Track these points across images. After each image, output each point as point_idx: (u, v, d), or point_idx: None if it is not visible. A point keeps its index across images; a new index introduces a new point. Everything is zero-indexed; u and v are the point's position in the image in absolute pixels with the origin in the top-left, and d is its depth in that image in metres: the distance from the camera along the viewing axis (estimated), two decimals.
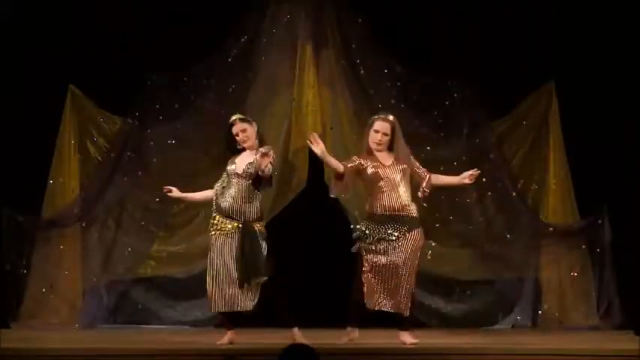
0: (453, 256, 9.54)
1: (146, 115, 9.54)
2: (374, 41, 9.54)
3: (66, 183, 9.53)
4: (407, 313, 7.48)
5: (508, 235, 9.53)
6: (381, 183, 7.54)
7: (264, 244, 7.64)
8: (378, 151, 7.63)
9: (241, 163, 7.67)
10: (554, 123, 9.67)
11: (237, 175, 7.61)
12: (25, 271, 9.36)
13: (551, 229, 9.63)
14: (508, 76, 9.43)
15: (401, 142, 7.65)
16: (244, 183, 7.60)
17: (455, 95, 9.45)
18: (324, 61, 9.61)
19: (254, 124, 7.79)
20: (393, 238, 7.48)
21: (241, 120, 7.74)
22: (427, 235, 9.54)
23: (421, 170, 7.71)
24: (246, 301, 7.53)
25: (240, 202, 7.61)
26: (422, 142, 9.37)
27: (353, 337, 7.63)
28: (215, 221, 7.64)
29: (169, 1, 9.48)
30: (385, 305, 7.51)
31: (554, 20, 9.53)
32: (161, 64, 9.38)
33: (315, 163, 9.61)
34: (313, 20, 9.57)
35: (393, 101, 9.59)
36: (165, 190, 7.89)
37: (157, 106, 9.52)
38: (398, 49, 9.51)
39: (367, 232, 7.54)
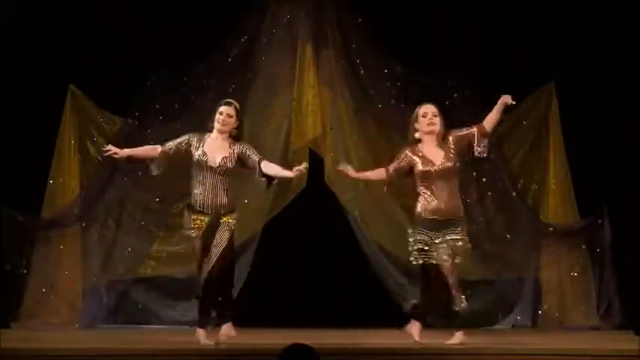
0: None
1: (146, 115, 9.53)
2: (374, 41, 9.54)
3: (66, 183, 9.54)
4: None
5: (508, 235, 9.53)
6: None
7: (226, 235, 7.50)
8: (430, 133, 7.57)
9: (213, 154, 7.54)
10: (554, 123, 9.67)
11: (212, 169, 7.51)
12: (25, 271, 9.36)
13: (551, 229, 9.64)
14: (508, 76, 9.42)
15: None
16: (218, 177, 7.53)
17: (455, 95, 9.44)
18: (324, 61, 9.61)
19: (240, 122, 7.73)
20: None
21: (236, 108, 7.68)
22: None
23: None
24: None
25: (212, 196, 7.52)
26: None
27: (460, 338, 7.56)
28: (190, 219, 7.52)
29: (169, 1, 9.48)
30: None
31: (554, 20, 9.53)
32: (161, 64, 9.38)
33: (315, 163, 9.63)
34: (313, 20, 9.57)
35: (393, 101, 9.60)
36: (109, 151, 7.71)
37: (157, 106, 9.52)
38: (398, 49, 9.51)
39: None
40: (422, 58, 9.45)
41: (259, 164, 7.63)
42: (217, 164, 7.50)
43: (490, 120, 7.60)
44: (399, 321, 9.43)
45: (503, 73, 9.41)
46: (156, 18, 9.44)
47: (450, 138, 7.58)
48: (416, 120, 7.63)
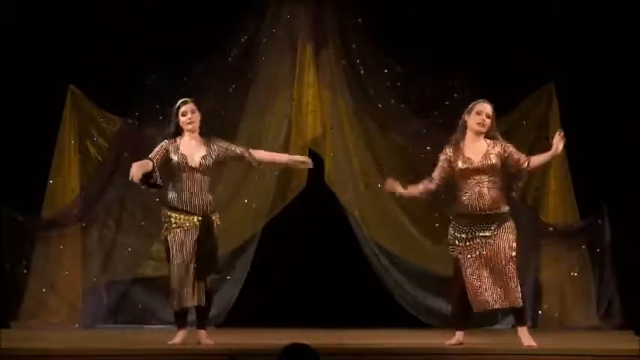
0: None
1: (146, 115, 9.53)
2: (374, 41, 9.54)
3: (66, 183, 9.53)
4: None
5: None
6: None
7: (211, 239, 7.44)
8: (479, 133, 7.54)
9: (192, 153, 7.47)
10: (554, 123, 9.66)
11: (193, 169, 7.44)
12: (25, 271, 9.36)
13: (551, 229, 9.64)
14: (508, 76, 9.43)
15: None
16: (201, 177, 7.47)
17: (455, 95, 9.44)
18: (324, 61, 9.62)
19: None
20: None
21: (194, 103, 7.61)
22: (427, 234, 9.58)
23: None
24: (194, 298, 7.40)
25: (197, 195, 7.45)
26: (422, 142, 9.38)
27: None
28: (172, 219, 7.43)
29: (169, 1, 9.48)
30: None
31: (554, 20, 9.53)
32: (161, 64, 9.38)
33: (316, 163, 9.63)
34: (313, 20, 9.58)
35: (393, 101, 9.61)
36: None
37: (157, 106, 9.51)
38: (398, 49, 9.51)
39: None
40: (422, 58, 9.45)
41: (249, 152, 7.62)
42: (198, 164, 7.46)
43: (537, 162, 7.57)
44: (399, 321, 9.50)
45: (503, 73, 9.42)
46: (156, 18, 9.44)
47: (503, 146, 7.52)
48: (469, 113, 7.57)
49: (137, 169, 7.25)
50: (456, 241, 7.45)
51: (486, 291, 7.36)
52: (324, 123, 9.61)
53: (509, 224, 7.44)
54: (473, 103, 7.64)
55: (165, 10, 9.42)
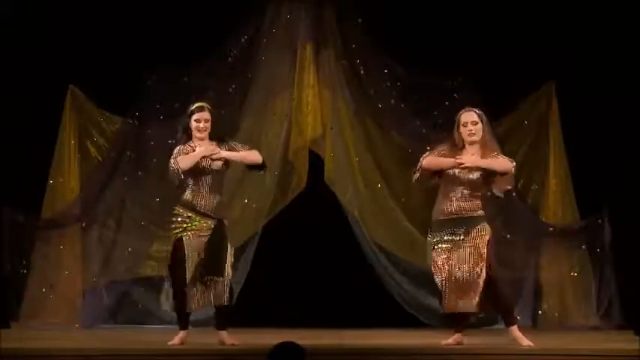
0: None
1: (146, 115, 9.54)
2: (374, 41, 9.54)
3: (66, 183, 9.53)
4: None
5: (508, 235, 9.52)
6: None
7: (224, 242, 7.50)
8: (473, 143, 7.55)
9: (204, 158, 7.52)
10: (554, 123, 9.67)
11: (208, 173, 7.49)
12: (25, 271, 9.36)
13: (551, 229, 9.63)
14: (508, 76, 9.43)
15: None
16: (214, 180, 7.52)
17: (455, 95, 9.44)
18: (324, 61, 9.62)
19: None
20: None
21: (208, 109, 7.64)
22: (427, 235, 9.59)
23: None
24: (203, 300, 7.46)
25: (212, 199, 7.51)
26: (422, 142, 9.38)
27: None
28: (181, 218, 7.50)
29: (169, 1, 9.48)
30: None
31: (554, 20, 9.53)
32: (161, 64, 9.38)
33: (315, 163, 9.63)
34: (313, 20, 9.58)
35: (392, 101, 9.61)
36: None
37: (157, 106, 9.52)
38: (398, 49, 9.51)
39: None
40: (422, 58, 9.45)
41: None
42: (211, 168, 7.51)
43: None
44: (399, 321, 9.49)
45: (503, 73, 9.41)
46: (156, 18, 9.43)
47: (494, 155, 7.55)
48: (458, 128, 7.59)
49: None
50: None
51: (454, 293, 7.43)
52: (324, 123, 9.61)
53: (482, 227, 7.49)
54: (459, 113, 7.65)
55: (166, 10, 9.41)
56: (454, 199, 7.51)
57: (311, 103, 9.59)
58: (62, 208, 9.50)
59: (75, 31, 9.42)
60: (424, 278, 9.40)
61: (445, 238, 7.51)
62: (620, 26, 9.33)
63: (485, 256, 7.41)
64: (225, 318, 7.59)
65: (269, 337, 7.64)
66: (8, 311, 9.13)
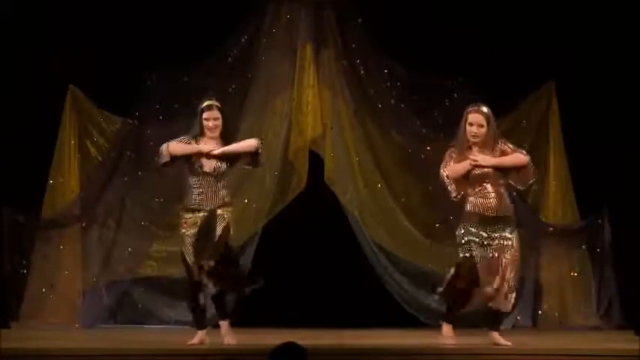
0: (454, 256, 9.54)
1: (146, 115, 9.54)
2: (374, 41, 9.54)
3: (66, 183, 9.53)
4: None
5: None
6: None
7: (219, 228, 7.51)
8: (475, 144, 7.54)
9: (207, 160, 7.54)
10: (554, 123, 9.67)
11: (206, 174, 7.52)
12: (25, 271, 9.36)
13: (551, 229, 9.63)
14: (508, 76, 9.43)
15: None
16: (217, 180, 7.54)
17: (455, 95, 9.44)
18: (324, 61, 9.62)
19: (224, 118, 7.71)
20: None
21: (218, 107, 7.66)
22: (427, 234, 9.57)
23: None
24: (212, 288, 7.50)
25: (209, 198, 7.53)
26: (422, 142, 9.38)
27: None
28: (183, 220, 7.57)
29: (169, 2, 9.48)
30: None
31: (554, 20, 9.53)
32: (161, 64, 9.38)
33: (315, 163, 9.63)
34: (313, 20, 9.58)
35: (392, 101, 9.61)
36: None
37: (157, 106, 9.53)
38: (398, 49, 9.51)
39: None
40: (422, 58, 9.45)
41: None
42: (212, 169, 7.52)
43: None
44: (399, 321, 9.49)
45: (504, 73, 9.41)
46: (156, 18, 9.43)
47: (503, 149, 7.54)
48: (464, 125, 7.56)
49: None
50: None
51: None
52: (324, 123, 9.61)
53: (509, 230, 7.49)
54: (467, 110, 7.61)
55: (166, 11, 9.41)
56: (480, 196, 7.47)
57: (311, 103, 9.59)
58: (62, 208, 9.50)
59: (75, 31, 9.42)
60: (424, 278, 9.42)
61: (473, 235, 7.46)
62: (620, 26, 9.33)
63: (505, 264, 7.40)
64: (223, 307, 7.60)
65: (269, 337, 7.66)
66: (8, 311, 9.13)
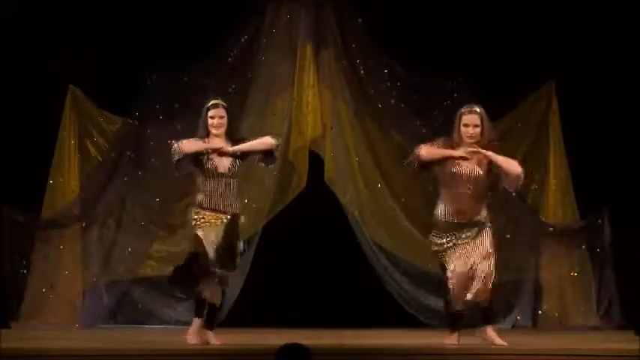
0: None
1: (146, 115, 9.54)
2: (374, 41, 9.54)
3: (66, 183, 9.53)
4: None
5: (508, 235, 9.53)
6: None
7: (240, 243, 7.65)
8: (470, 145, 7.51)
9: (220, 160, 7.54)
10: (554, 123, 9.67)
11: (222, 174, 7.52)
12: (25, 271, 9.36)
13: (551, 229, 9.64)
14: (508, 76, 9.43)
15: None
16: (229, 180, 7.54)
17: (455, 95, 9.44)
18: (324, 61, 9.62)
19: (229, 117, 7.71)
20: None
21: (224, 106, 7.65)
22: (427, 234, 9.60)
23: None
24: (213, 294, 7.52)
25: (227, 198, 7.54)
26: (422, 142, 9.36)
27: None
28: (200, 216, 7.53)
29: (169, 2, 9.48)
30: None
31: (554, 20, 9.53)
32: (161, 64, 9.38)
33: (316, 163, 9.63)
34: (313, 20, 9.58)
35: (392, 101, 9.61)
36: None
37: (157, 106, 9.53)
38: (398, 49, 9.51)
39: None
40: (422, 58, 9.45)
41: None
42: (227, 169, 7.52)
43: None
44: (399, 321, 9.49)
45: (504, 73, 9.42)
46: (156, 18, 9.43)
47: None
48: (458, 126, 7.55)
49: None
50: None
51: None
52: (324, 123, 9.62)
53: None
54: (460, 111, 7.59)
55: (166, 11, 9.41)
56: (458, 200, 7.48)
57: (311, 103, 9.59)
58: (62, 208, 9.50)
59: (75, 31, 9.42)
60: (424, 278, 9.43)
61: (449, 239, 7.48)
62: (620, 26, 9.34)
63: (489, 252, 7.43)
64: (215, 318, 7.63)
65: (269, 337, 7.67)
66: (8, 311, 9.13)
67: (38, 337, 8.17)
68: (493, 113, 9.58)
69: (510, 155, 7.81)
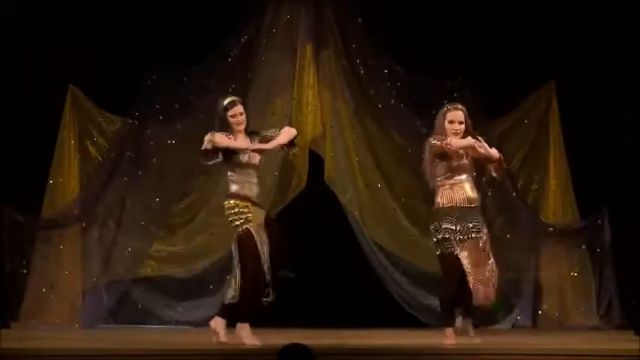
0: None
1: (146, 115, 9.55)
2: (374, 41, 9.55)
3: (66, 183, 9.54)
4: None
5: (508, 235, 9.53)
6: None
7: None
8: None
9: (253, 154, 7.48)
10: (554, 123, 9.68)
11: (255, 166, 7.48)
12: (25, 271, 9.37)
13: (551, 229, 9.64)
14: (508, 76, 9.43)
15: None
16: (256, 173, 7.51)
17: (455, 95, 9.44)
18: (324, 61, 9.63)
19: None
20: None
21: (241, 102, 7.61)
22: (427, 234, 9.59)
23: None
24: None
25: (257, 191, 7.50)
26: (422, 141, 9.36)
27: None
28: (246, 210, 7.42)
29: (169, 2, 9.48)
30: None
31: (554, 20, 9.53)
32: (161, 64, 9.38)
33: (316, 163, 9.64)
34: (313, 20, 9.59)
35: (392, 101, 9.61)
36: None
37: (157, 106, 9.53)
38: (398, 49, 9.52)
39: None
40: (422, 58, 9.45)
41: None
42: (259, 161, 7.50)
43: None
44: (399, 321, 9.49)
45: (504, 73, 9.42)
46: (156, 18, 9.44)
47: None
48: (443, 122, 7.57)
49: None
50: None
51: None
52: (324, 123, 9.63)
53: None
54: (443, 110, 7.59)
55: (166, 10, 9.41)
56: (453, 188, 7.49)
57: (311, 103, 9.60)
58: (62, 208, 9.51)
59: (75, 31, 9.42)
60: (424, 278, 9.43)
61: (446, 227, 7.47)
62: (620, 26, 9.34)
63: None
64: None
65: (269, 337, 7.66)
66: (8, 311, 9.13)
67: (38, 337, 8.17)
68: (493, 113, 9.64)
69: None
